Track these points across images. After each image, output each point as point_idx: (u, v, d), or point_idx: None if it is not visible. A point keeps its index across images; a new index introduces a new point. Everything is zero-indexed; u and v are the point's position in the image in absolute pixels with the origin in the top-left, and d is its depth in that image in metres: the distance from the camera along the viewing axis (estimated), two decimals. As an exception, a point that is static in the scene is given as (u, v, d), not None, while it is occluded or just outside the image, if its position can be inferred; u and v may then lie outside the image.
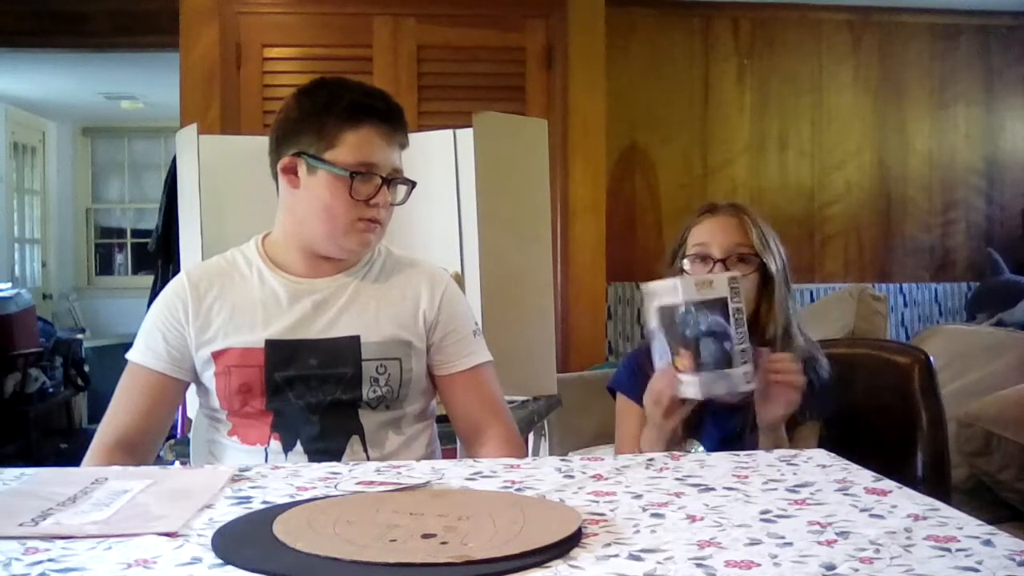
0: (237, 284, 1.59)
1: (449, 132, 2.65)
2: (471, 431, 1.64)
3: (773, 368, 1.51)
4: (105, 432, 1.54)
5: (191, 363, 1.57)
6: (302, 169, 1.55)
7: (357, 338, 1.55)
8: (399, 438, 1.59)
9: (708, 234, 1.67)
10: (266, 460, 1.53)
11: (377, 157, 1.54)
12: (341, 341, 1.55)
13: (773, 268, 1.64)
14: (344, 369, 1.54)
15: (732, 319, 1.46)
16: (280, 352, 1.53)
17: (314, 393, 1.53)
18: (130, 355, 1.59)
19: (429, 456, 1.63)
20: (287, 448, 1.53)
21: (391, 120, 1.57)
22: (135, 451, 1.52)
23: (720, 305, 1.45)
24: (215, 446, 1.61)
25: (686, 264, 1.69)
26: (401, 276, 1.64)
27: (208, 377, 1.56)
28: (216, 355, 1.54)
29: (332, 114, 1.54)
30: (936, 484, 1.65)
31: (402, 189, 1.61)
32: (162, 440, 1.63)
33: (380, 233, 1.59)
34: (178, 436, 2.44)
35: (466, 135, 2.51)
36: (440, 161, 2.66)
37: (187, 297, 1.57)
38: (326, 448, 1.52)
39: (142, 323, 1.62)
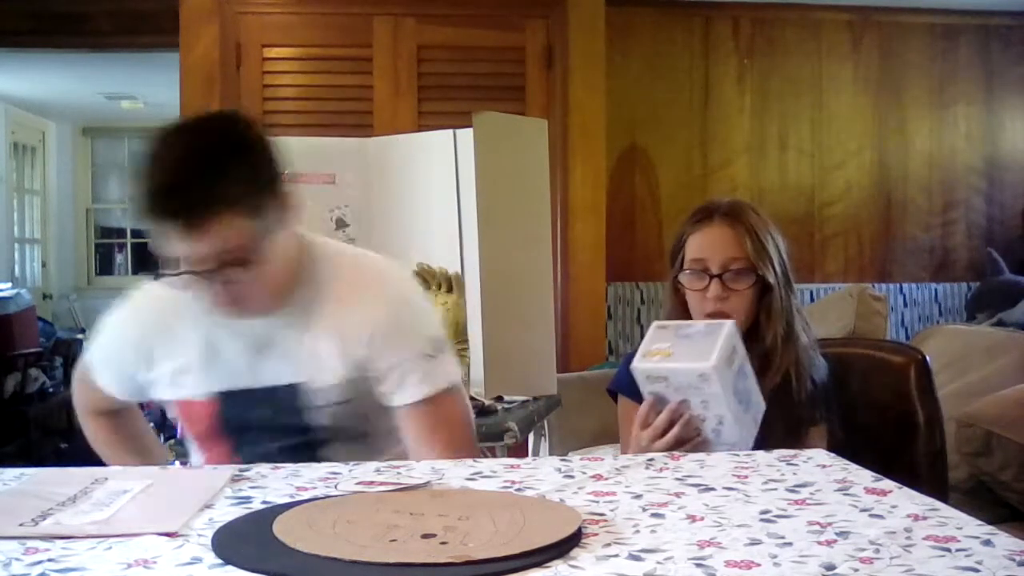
0: (181, 325, 1.47)
1: (449, 132, 2.65)
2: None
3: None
4: (84, 403, 1.62)
5: (148, 393, 1.56)
6: None
7: (300, 387, 1.44)
8: (372, 453, 1.47)
9: (705, 248, 1.65)
10: None
11: (180, 252, 1.31)
12: (285, 390, 1.45)
13: (771, 279, 1.63)
14: (294, 418, 1.45)
15: (749, 367, 1.47)
16: (229, 402, 1.47)
17: (272, 440, 1.47)
18: (92, 364, 1.57)
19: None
20: None
21: (176, 213, 1.27)
22: (119, 414, 1.62)
23: (744, 364, 1.45)
24: (192, 461, 1.61)
25: (684, 278, 1.68)
26: (343, 299, 1.44)
27: (170, 409, 1.57)
28: (175, 403, 1.53)
29: (136, 199, 1.31)
30: (934, 484, 1.65)
31: (247, 263, 1.32)
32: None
33: (243, 299, 1.35)
34: (178, 436, 2.44)
35: (466, 135, 2.51)
36: (440, 161, 2.66)
37: (137, 350, 1.51)
38: None
39: (98, 335, 1.56)
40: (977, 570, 0.79)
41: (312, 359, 1.43)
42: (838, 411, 1.67)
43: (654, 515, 0.97)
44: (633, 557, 0.83)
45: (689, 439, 1.44)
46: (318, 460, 1.42)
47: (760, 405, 1.48)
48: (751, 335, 1.64)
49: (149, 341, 1.50)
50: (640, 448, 1.47)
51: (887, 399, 1.75)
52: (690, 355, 1.40)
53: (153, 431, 1.68)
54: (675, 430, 1.43)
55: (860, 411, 1.73)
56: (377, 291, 1.46)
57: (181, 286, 1.35)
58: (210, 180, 1.28)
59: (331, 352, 1.43)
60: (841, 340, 2.67)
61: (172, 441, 2.16)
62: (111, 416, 1.63)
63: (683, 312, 1.67)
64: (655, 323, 1.49)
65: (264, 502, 1.04)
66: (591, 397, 3.08)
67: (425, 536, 0.88)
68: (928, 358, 1.76)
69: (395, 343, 1.43)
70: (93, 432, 1.65)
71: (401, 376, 1.44)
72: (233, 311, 1.38)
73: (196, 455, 1.59)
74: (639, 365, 1.44)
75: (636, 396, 1.66)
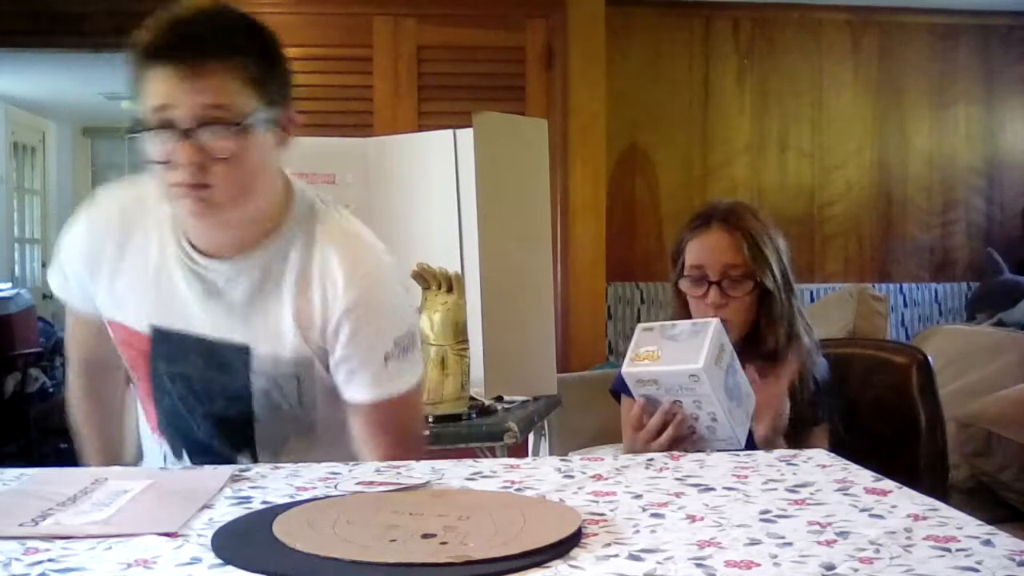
0: (137, 243, 1.37)
1: (449, 132, 2.65)
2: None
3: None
4: (73, 356, 1.54)
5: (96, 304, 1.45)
6: None
7: (246, 350, 1.34)
8: (303, 444, 1.40)
9: (703, 255, 1.66)
10: (164, 460, 1.45)
11: (165, 99, 1.21)
12: (228, 348, 1.34)
13: (769, 284, 1.63)
14: (229, 380, 1.35)
15: (737, 363, 1.47)
16: (164, 342, 1.36)
17: (199, 398, 1.37)
18: (53, 285, 1.47)
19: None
20: (176, 455, 1.43)
21: (179, 49, 1.21)
22: (109, 367, 1.51)
23: (733, 360, 1.46)
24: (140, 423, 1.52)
25: (683, 284, 1.68)
26: (314, 266, 1.33)
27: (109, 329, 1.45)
28: (110, 324, 1.42)
29: (130, 66, 1.26)
30: (934, 484, 1.65)
31: (233, 135, 1.22)
32: None
33: (215, 198, 1.24)
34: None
35: (466, 135, 2.51)
36: (440, 161, 2.66)
37: (90, 254, 1.39)
38: (212, 463, 1.33)
39: (60, 238, 1.46)
40: (977, 570, 0.79)
41: (264, 324, 1.33)
42: (840, 411, 1.67)
43: (654, 515, 0.97)
44: (633, 557, 0.83)
45: (684, 438, 1.44)
46: (247, 440, 1.38)
47: (751, 398, 1.49)
48: (752, 339, 1.64)
49: (101, 245, 1.38)
50: (635, 451, 1.47)
51: (889, 399, 1.75)
52: (678, 357, 1.40)
53: (132, 417, 1.57)
54: (669, 431, 1.43)
55: (862, 411, 1.73)
56: (352, 274, 1.32)
57: (155, 144, 1.23)
58: (224, 30, 1.25)
59: (287, 324, 1.33)
60: (844, 340, 2.68)
61: None
62: (91, 374, 1.54)
63: (685, 315, 1.67)
64: (639, 325, 1.49)
65: (264, 502, 1.04)
66: (591, 397, 3.08)
67: (425, 536, 0.88)
68: (931, 358, 1.76)
69: (359, 337, 1.32)
70: (71, 388, 1.56)
71: (354, 373, 1.35)
72: (201, 212, 1.25)
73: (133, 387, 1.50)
74: (628, 370, 1.44)
75: None
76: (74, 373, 1.56)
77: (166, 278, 1.35)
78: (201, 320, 1.35)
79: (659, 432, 1.44)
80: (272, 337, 1.33)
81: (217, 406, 1.37)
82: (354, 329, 1.32)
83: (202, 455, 1.41)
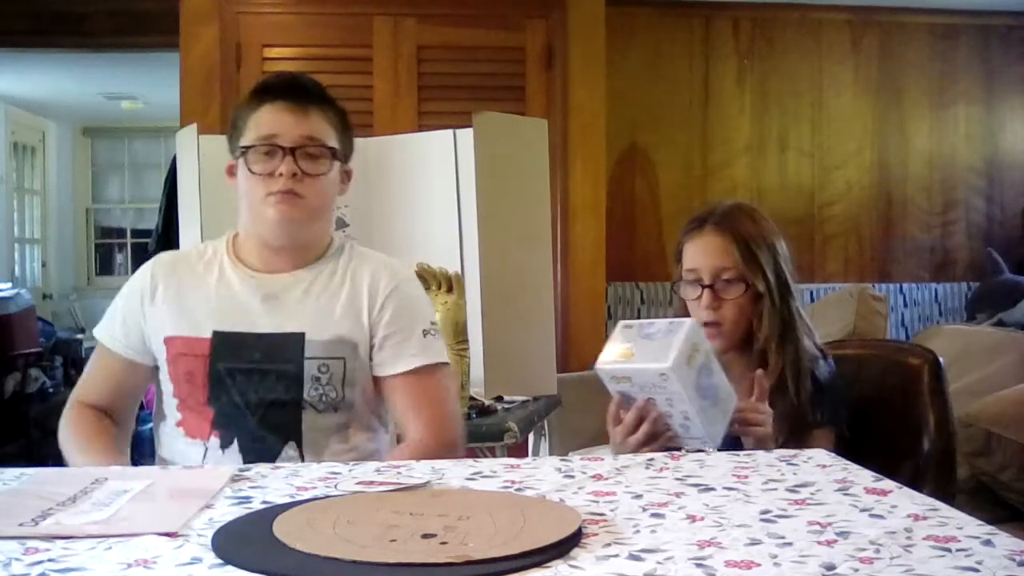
0: (198, 274, 1.63)
1: (449, 132, 2.65)
2: (401, 436, 1.63)
3: (741, 419, 1.51)
4: (81, 396, 1.65)
5: (151, 351, 1.62)
6: (236, 166, 1.62)
7: (302, 335, 1.56)
8: (343, 447, 1.58)
9: (697, 257, 1.67)
10: (204, 457, 1.56)
11: (275, 128, 1.56)
12: (286, 337, 1.56)
13: (761, 287, 1.64)
14: (286, 365, 1.55)
15: (715, 363, 1.46)
16: (225, 343, 1.56)
17: (255, 388, 1.55)
18: (96, 331, 1.67)
19: None
20: (224, 445, 1.56)
21: (290, 92, 1.58)
22: (111, 416, 1.65)
23: (709, 361, 1.45)
24: (162, 435, 1.64)
25: (680, 288, 1.70)
26: (355, 273, 1.63)
27: (162, 362, 1.61)
28: (167, 340, 1.59)
29: (242, 107, 1.62)
30: (942, 485, 1.65)
31: (322, 160, 1.58)
32: (137, 406, 1.71)
33: (303, 207, 1.57)
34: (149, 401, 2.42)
35: (466, 135, 2.51)
36: (440, 161, 2.66)
37: (146, 287, 1.62)
38: (261, 450, 1.53)
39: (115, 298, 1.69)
40: (977, 570, 0.79)
41: (317, 314, 1.58)
42: (846, 412, 1.67)
43: (654, 515, 0.97)
44: (633, 557, 0.83)
45: (660, 434, 1.45)
46: (295, 428, 1.55)
47: (731, 399, 1.48)
48: (746, 340, 1.65)
49: (167, 274, 1.63)
50: (615, 444, 1.48)
51: (899, 400, 1.75)
52: (650, 355, 1.41)
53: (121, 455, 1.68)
54: (645, 427, 1.45)
55: (871, 411, 1.73)
56: (392, 271, 1.64)
57: (261, 161, 1.55)
58: (323, 90, 1.63)
59: (338, 311, 1.58)
60: (854, 341, 2.68)
61: None
62: (96, 410, 1.64)
63: (686, 317, 1.68)
64: (620, 323, 1.50)
65: (264, 502, 1.04)
66: (591, 397, 3.07)
67: (425, 536, 0.88)
68: (941, 360, 1.76)
69: (400, 315, 1.60)
70: (74, 416, 1.62)
71: (399, 345, 1.59)
72: (291, 217, 1.55)
73: (169, 405, 1.61)
74: (602, 366, 1.46)
75: None
76: (81, 407, 1.64)
77: (226, 290, 1.60)
78: (260, 321, 1.58)
79: (635, 428, 1.45)
80: (325, 324, 1.57)
81: (272, 393, 1.55)
82: (396, 309, 1.60)
83: (252, 447, 1.54)
